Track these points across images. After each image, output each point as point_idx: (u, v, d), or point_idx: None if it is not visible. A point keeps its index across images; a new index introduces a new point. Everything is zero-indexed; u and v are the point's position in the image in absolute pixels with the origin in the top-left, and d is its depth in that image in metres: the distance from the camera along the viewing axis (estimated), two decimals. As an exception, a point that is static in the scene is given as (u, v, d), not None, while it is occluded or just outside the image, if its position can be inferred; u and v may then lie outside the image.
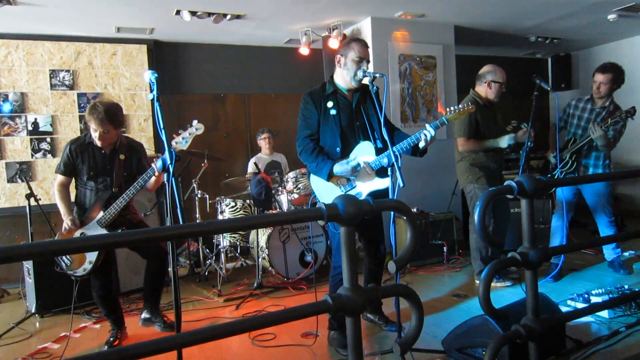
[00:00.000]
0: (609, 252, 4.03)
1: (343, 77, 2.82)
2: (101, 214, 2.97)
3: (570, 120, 3.97)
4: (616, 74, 3.77)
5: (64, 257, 3.03)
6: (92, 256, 2.98)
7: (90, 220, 3.01)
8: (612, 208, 3.92)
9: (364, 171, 2.76)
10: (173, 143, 2.75)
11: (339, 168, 2.69)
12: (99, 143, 2.98)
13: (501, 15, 5.40)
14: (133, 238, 1.32)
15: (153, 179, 2.94)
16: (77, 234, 3.00)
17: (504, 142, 3.65)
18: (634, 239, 4.22)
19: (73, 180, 3.13)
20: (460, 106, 2.83)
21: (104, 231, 2.97)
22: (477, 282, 4.05)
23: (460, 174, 3.91)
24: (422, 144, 2.71)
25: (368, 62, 2.78)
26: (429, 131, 2.65)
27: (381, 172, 2.78)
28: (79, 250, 1.23)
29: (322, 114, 2.79)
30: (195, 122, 2.79)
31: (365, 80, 2.68)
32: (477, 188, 3.80)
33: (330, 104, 2.80)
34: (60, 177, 3.08)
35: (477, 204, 1.69)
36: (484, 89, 3.81)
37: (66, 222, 3.00)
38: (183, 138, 2.77)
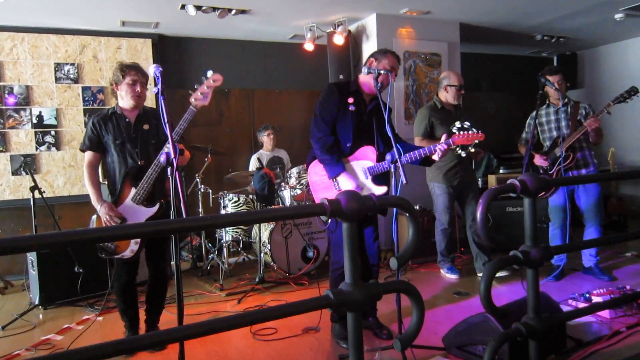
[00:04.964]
0: (588, 258, 3.96)
1: (368, 81, 2.86)
2: (133, 190, 2.71)
3: (541, 129, 4.00)
4: (562, 72, 3.90)
5: (107, 242, 2.75)
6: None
7: (123, 199, 2.73)
8: (604, 211, 3.92)
9: (361, 176, 2.81)
10: (192, 100, 2.52)
11: (344, 182, 2.74)
12: (132, 102, 2.79)
13: (507, 13, 5.37)
14: (136, 231, 1.32)
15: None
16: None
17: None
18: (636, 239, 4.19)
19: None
20: (471, 132, 2.77)
21: (142, 208, 2.71)
22: (442, 271, 4.30)
23: (426, 172, 4.27)
24: (436, 157, 2.75)
25: (396, 75, 2.85)
26: (442, 147, 2.72)
27: (377, 180, 2.82)
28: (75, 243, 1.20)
29: (342, 105, 2.84)
30: (209, 72, 2.52)
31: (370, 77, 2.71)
32: (435, 186, 4.15)
33: (351, 99, 2.86)
34: (88, 155, 2.83)
35: (479, 202, 1.69)
36: (444, 94, 4.09)
37: (101, 212, 2.69)
38: (202, 93, 2.52)
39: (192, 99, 2.54)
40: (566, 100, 3.87)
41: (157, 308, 3.04)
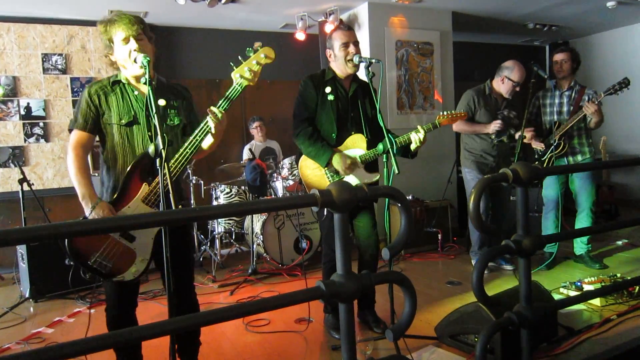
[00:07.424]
0: (580, 246, 3.98)
1: (338, 67, 2.82)
2: (146, 188, 2.01)
3: (543, 110, 3.99)
4: (573, 52, 3.84)
5: (99, 260, 1.96)
6: (145, 253, 2.00)
7: (129, 200, 2.00)
8: (596, 197, 3.92)
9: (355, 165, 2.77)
10: (236, 77, 2.07)
11: (337, 162, 2.68)
12: (138, 70, 2.00)
13: (499, 2, 5.35)
14: (119, 224, 1.28)
15: (209, 136, 2.08)
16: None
17: (490, 128, 3.75)
18: (631, 227, 4.23)
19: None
20: (453, 111, 2.88)
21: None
22: (473, 262, 4.12)
23: (461, 157, 4.14)
24: (413, 146, 2.69)
25: (356, 44, 2.77)
26: (420, 132, 2.64)
27: (370, 167, 2.79)
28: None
29: (320, 98, 2.79)
30: (257, 44, 2.03)
31: (361, 66, 2.66)
32: (466, 172, 4.03)
33: (328, 89, 2.80)
34: (75, 135, 2.06)
35: (471, 191, 1.68)
36: (498, 83, 3.87)
37: (96, 215, 1.92)
38: (249, 70, 2.08)
39: (236, 75, 2.05)
40: (572, 84, 3.85)
41: (191, 354, 2.37)
